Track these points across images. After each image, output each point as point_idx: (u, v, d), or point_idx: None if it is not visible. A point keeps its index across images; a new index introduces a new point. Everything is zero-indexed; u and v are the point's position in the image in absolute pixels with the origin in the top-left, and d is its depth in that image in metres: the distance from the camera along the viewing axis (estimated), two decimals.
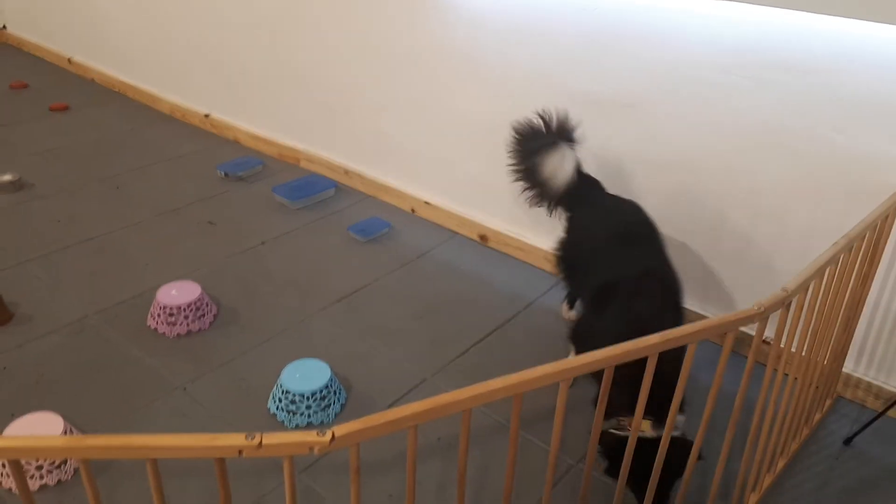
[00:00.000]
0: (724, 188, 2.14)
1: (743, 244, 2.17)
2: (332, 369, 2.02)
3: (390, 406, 2.02)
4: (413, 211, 3.02)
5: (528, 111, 2.49)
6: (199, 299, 2.28)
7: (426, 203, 2.95)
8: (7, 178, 3.02)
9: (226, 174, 3.22)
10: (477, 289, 2.55)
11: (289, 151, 3.39)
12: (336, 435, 0.99)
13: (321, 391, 1.95)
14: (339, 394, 2.03)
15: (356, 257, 2.71)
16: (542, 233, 2.65)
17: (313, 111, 3.22)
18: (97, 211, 2.92)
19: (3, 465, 1.70)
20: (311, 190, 3.08)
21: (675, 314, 1.75)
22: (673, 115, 2.16)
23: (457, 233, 2.89)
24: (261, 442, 0.98)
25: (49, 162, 3.29)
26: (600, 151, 2.36)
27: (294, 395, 1.94)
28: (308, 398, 1.94)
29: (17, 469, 0.94)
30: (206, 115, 3.68)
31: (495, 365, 2.19)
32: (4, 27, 4.91)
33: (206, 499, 1.69)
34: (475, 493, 1.76)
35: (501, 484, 1.77)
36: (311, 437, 0.98)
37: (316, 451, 0.99)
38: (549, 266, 2.66)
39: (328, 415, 1.97)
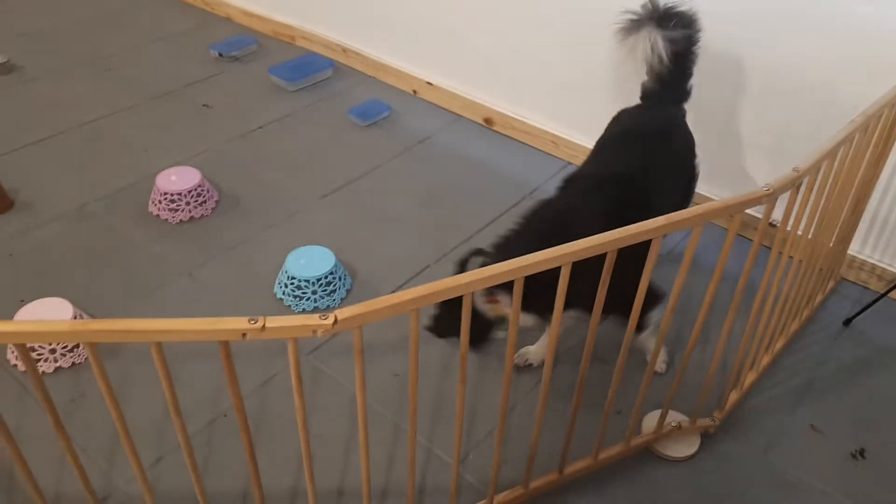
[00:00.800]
0: (737, 65, 2.05)
1: (754, 125, 2.10)
2: (336, 256, 2.02)
3: (394, 292, 2.04)
4: (415, 92, 2.92)
5: None
6: (199, 185, 2.25)
7: (429, 84, 2.85)
8: None
9: (220, 54, 3.10)
10: (481, 174, 2.51)
11: (284, 29, 3.24)
12: (338, 318, 0.99)
13: (326, 277, 1.97)
14: (345, 279, 2.04)
15: (357, 142, 2.65)
16: (549, 115, 2.57)
17: None
18: (90, 94, 2.83)
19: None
20: (308, 70, 2.96)
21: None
22: None
23: (461, 116, 2.81)
24: (264, 325, 0.98)
25: (38, 42, 3.16)
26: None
27: (299, 280, 1.95)
28: (313, 284, 1.95)
29: (25, 353, 0.95)
30: None
31: None
32: None
33: (216, 381, 1.74)
34: (477, 372, 1.80)
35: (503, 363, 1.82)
36: (313, 320, 0.98)
37: (319, 333, 1.00)
38: (555, 150, 2.60)
39: (334, 300, 1.99)
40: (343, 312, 1.00)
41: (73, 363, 1.76)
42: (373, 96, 2.88)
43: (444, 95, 2.82)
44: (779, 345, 1.86)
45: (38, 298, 1.82)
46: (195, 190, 2.23)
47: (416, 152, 2.61)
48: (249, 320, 0.99)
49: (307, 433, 1.13)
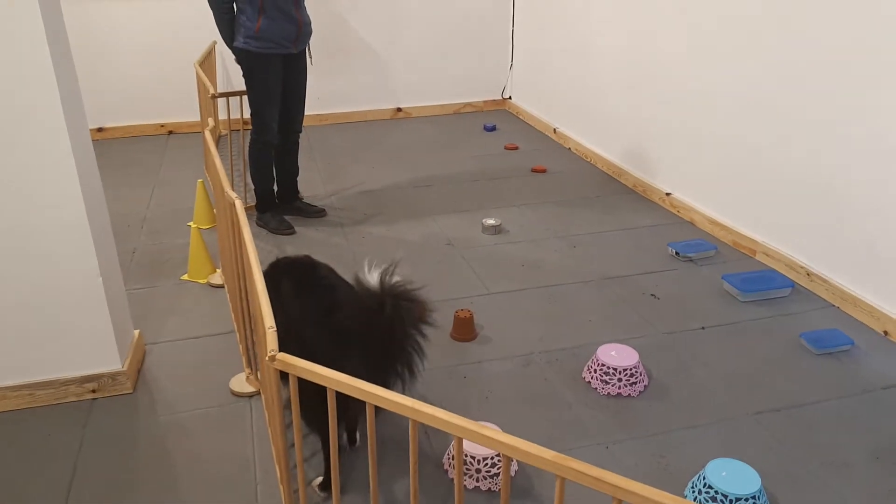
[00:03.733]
0: None
1: None
2: (762, 481, 1.84)
3: None
4: (886, 333, 2.60)
5: None
6: (635, 366, 2.32)
7: None
8: (492, 222, 3.56)
9: (677, 253, 3.25)
10: None
11: (746, 241, 3.26)
12: None
13: (746, 500, 1.79)
14: None
15: (806, 369, 2.45)
16: None
17: (782, 202, 3.04)
18: (555, 262, 3.23)
19: (458, 460, 1.96)
20: (764, 285, 2.90)
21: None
22: None
23: None
24: None
25: (524, 214, 3.77)
26: None
27: (717, 492, 1.82)
28: (731, 502, 1.80)
29: (507, 463, 1.07)
30: (668, 194, 3.79)
31: None
32: (510, 97, 5.86)
33: None
34: None
35: None
36: None
37: None
38: None
39: None
40: None
41: (490, 489, 1.91)
42: (833, 325, 2.66)
43: None
44: None
45: (478, 421, 2.05)
46: (630, 370, 2.31)
47: (878, 398, 2.28)
48: None
49: None
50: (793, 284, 2.92)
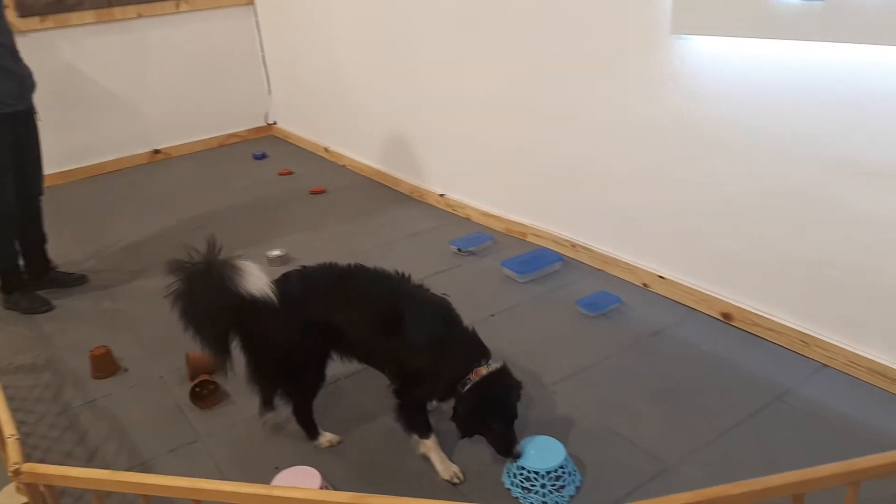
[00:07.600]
0: None
1: None
2: (566, 449, 1.97)
3: (629, 495, 1.91)
4: (645, 286, 2.91)
5: (782, 182, 2.32)
6: None
7: (660, 277, 2.83)
8: (277, 253, 3.45)
9: (459, 249, 3.38)
10: (721, 372, 2.36)
11: (516, 227, 3.48)
12: None
13: (556, 471, 1.91)
14: (574, 475, 1.96)
15: (585, 332, 2.66)
16: (798, 313, 2.41)
17: (541, 186, 3.29)
18: None
19: None
20: (537, 263, 3.11)
21: None
22: None
23: (695, 310, 2.72)
24: None
25: (309, 239, 3.70)
26: (862, 221, 2.11)
27: (528, 471, 1.91)
28: (542, 476, 1.90)
29: None
30: (441, 195, 3.93)
31: (747, 458, 1.98)
32: (275, 123, 5.73)
33: None
34: None
35: None
36: None
37: None
38: (805, 349, 2.39)
39: (563, 497, 1.91)
40: None
41: None
42: (601, 288, 2.92)
43: (676, 289, 2.78)
44: None
45: (293, 466, 1.97)
46: None
47: (647, 345, 2.55)
48: None
49: None
50: (562, 258, 3.17)
